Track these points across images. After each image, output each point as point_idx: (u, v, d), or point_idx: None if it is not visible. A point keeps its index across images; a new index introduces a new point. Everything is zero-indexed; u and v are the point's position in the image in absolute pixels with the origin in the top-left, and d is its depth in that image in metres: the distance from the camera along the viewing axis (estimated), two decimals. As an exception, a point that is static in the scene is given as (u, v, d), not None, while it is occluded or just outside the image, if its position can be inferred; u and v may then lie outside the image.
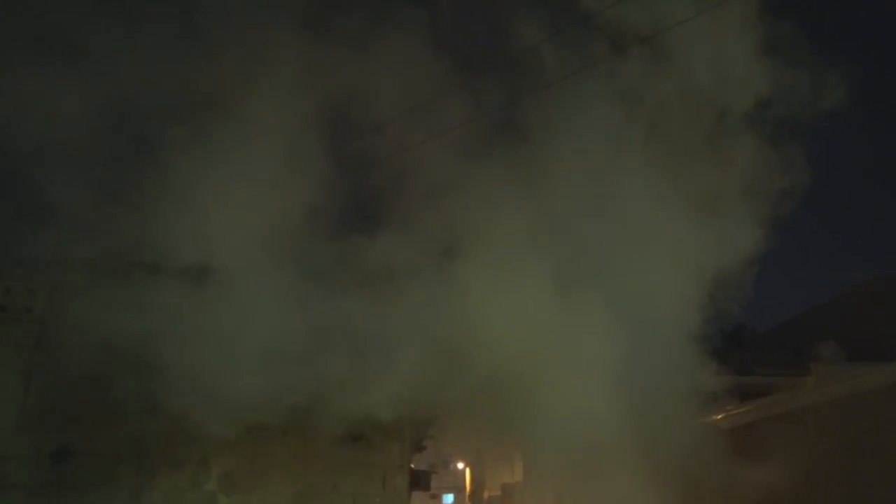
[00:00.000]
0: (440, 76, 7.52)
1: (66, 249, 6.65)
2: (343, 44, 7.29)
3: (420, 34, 7.39)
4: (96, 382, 6.64)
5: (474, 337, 6.88)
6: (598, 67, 7.82)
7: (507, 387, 7.18)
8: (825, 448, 8.90)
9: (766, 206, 7.97)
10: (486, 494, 29.91)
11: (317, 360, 6.34)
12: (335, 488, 7.50)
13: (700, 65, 7.99)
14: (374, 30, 7.41)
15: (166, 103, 6.83)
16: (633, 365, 7.13)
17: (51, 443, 6.94)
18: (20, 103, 6.35)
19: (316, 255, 6.98)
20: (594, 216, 7.71)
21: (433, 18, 7.59)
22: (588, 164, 7.77)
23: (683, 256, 7.65)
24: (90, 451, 7.00)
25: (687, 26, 7.49)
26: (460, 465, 41.25)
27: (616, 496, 7.34)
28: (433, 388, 6.83)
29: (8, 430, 6.90)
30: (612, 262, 7.54)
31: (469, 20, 8.25)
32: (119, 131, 6.63)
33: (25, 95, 6.38)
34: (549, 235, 7.48)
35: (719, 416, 11.05)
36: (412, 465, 8.84)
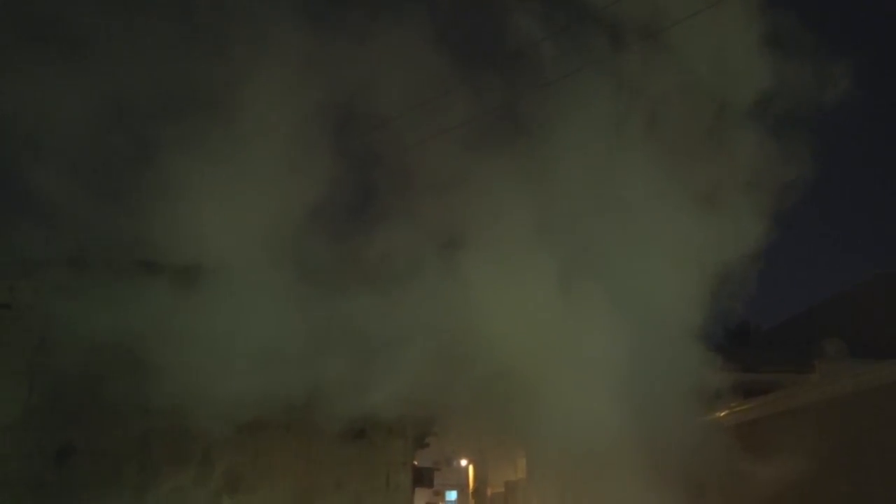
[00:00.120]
0: (442, 71, 7.48)
1: (64, 248, 6.65)
2: (342, 39, 7.25)
3: (421, 29, 7.36)
4: (99, 381, 6.64)
5: (477, 335, 6.87)
6: (600, 63, 7.79)
7: (510, 384, 7.17)
8: (829, 445, 8.88)
9: (770, 203, 7.94)
10: (489, 492, 29.92)
11: (317, 359, 6.34)
12: (338, 486, 7.50)
13: (703, 59, 7.96)
14: (374, 25, 7.37)
15: (163, 99, 6.81)
16: (636, 362, 7.11)
17: (54, 441, 6.95)
18: (15, 99, 6.31)
19: (317, 253, 6.96)
20: (598, 214, 7.69)
21: (435, 14, 7.55)
22: (591, 161, 7.74)
23: (687, 253, 7.63)
24: (93, 450, 7.01)
25: (688, 20, 7.46)
26: (463, 463, 41.28)
27: (619, 494, 7.33)
28: (436, 386, 6.82)
29: (11, 428, 6.90)
30: (616, 259, 7.52)
31: (472, 16, 8.23)
32: (115, 128, 6.56)
33: (21, 92, 6.34)
34: (552, 234, 7.46)
35: (723, 413, 11.04)
36: (415, 463, 8.85)
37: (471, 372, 6.90)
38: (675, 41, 7.84)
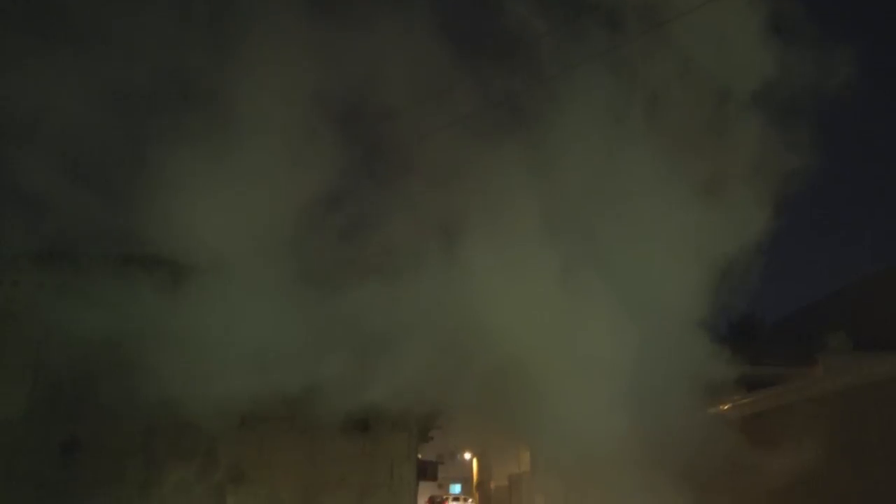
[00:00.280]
0: (445, 63, 7.41)
1: (63, 246, 6.65)
2: (343, 31, 7.17)
3: (424, 20, 7.28)
4: (102, 377, 6.66)
5: (481, 328, 6.86)
6: (604, 55, 7.74)
7: (513, 378, 7.16)
8: (832, 438, 8.87)
9: (775, 197, 7.91)
10: (492, 485, 30.02)
11: (319, 353, 6.34)
12: (342, 479, 7.52)
13: (707, 49, 7.89)
14: (376, 17, 7.29)
15: (158, 89, 6.73)
16: (640, 356, 7.10)
17: (58, 436, 6.98)
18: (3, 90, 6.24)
19: (319, 247, 6.94)
20: (602, 206, 7.65)
21: (438, 3, 7.46)
22: (596, 154, 7.70)
23: (693, 246, 7.60)
24: (97, 445, 7.04)
25: (691, 10, 7.42)
26: (467, 456, 41.44)
27: (623, 487, 7.34)
28: (439, 380, 6.82)
29: (15, 423, 6.93)
30: (621, 253, 7.49)
31: (474, 6, 8.17)
32: (109, 119, 6.44)
33: (9, 82, 6.25)
34: (556, 227, 7.43)
35: (727, 407, 11.03)
36: (419, 456, 8.87)
37: (474, 366, 6.89)
38: (678, 31, 7.79)
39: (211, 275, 6.44)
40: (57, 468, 6.91)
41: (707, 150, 7.99)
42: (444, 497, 37.21)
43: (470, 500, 35.88)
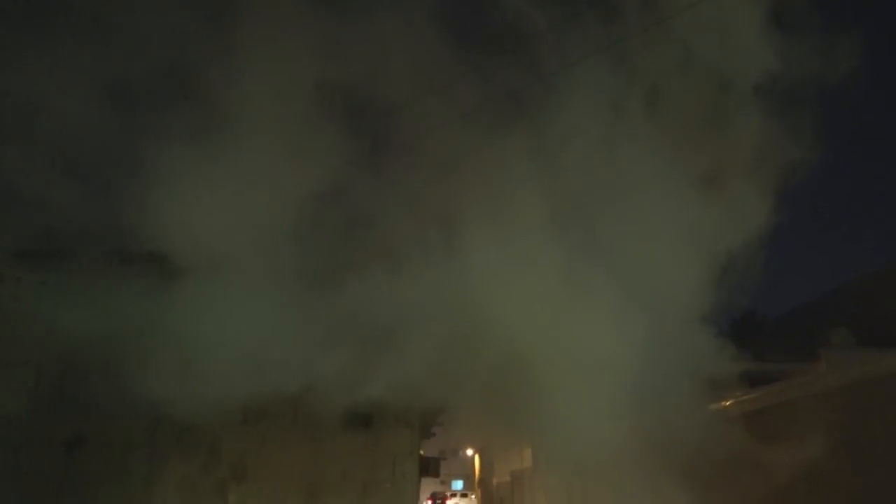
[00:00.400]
0: (446, 56, 7.37)
1: (61, 243, 6.64)
2: (342, 24, 7.13)
3: (425, 12, 7.24)
4: (103, 375, 6.65)
5: (483, 324, 6.85)
6: (605, 47, 7.71)
7: (516, 374, 7.16)
8: (835, 434, 8.85)
9: (779, 192, 7.88)
10: (494, 481, 30.07)
11: (321, 348, 6.33)
12: (344, 475, 7.53)
13: (709, 40, 7.85)
14: (376, 8, 7.25)
15: (151, 82, 6.69)
16: (644, 351, 7.08)
17: (62, 432, 7.00)
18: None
19: (321, 241, 6.91)
20: (605, 201, 7.63)
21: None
22: (598, 147, 7.67)
23: (697, 240, 7.58)
24: (101, 440, 7.06)
25: (692, 3, 7.38)
26: (469, 452, 41.51)
27: (625, 484, 7.34)
28: (442, 375, 6.81)
29: (19, 418, 6.95)
30: (624, 248, 7.47)
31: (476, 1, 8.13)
32: (104, 114, 6.39)
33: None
34: (559, 221, 7.41)
35: (729, 403, 11.02)
36: (422, 452, 8.88)
37: (476, 361, 6.88)
38: (679, 23, 7.75)
39: (210, 271, 6.39)
40: (61, 464, 6.93)
41: (710, 144, 7.96)
42: (447, 494, 37.32)
43: (472, 497, 35.96)
